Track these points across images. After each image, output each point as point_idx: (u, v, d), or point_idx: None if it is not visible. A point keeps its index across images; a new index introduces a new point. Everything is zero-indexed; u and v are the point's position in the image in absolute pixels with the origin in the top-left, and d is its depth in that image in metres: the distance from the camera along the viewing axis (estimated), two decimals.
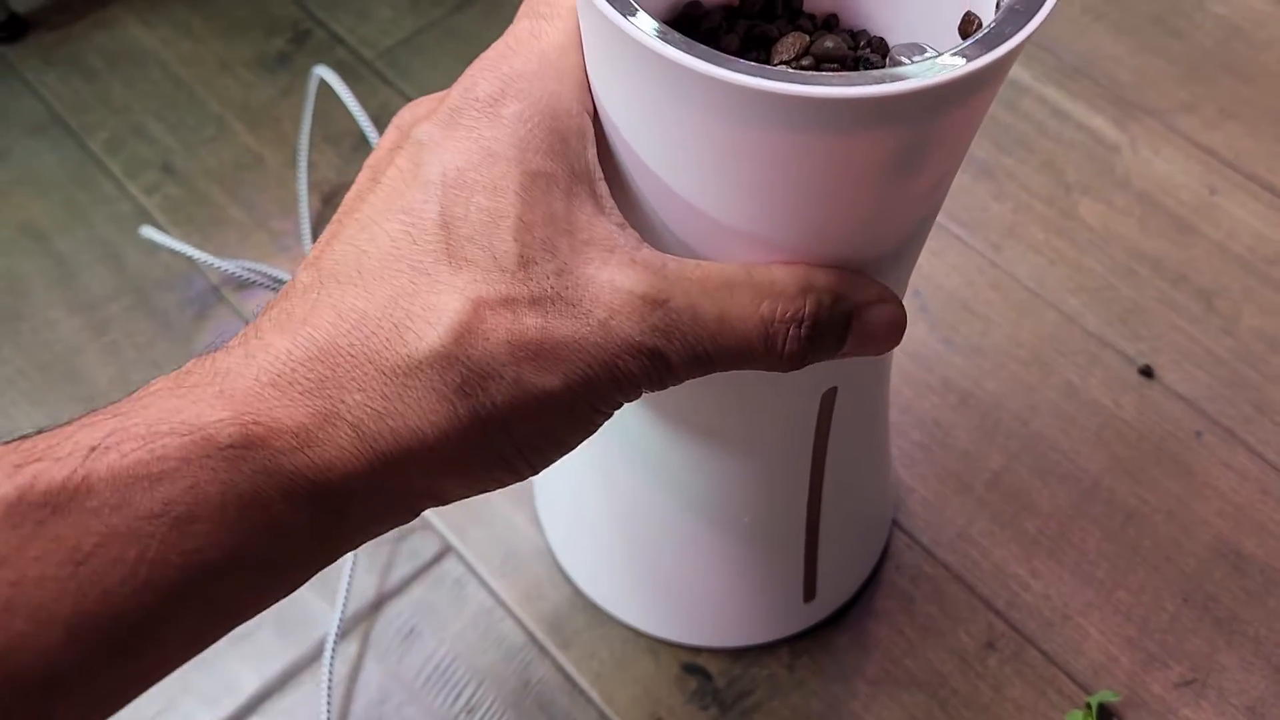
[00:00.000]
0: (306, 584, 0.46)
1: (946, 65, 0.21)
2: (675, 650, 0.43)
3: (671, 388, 0.33)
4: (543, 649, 0.43)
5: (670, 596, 0.41)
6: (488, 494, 0.46)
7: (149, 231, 0.48)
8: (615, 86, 0.24)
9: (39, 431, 0.21)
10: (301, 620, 0.43)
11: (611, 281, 0.23)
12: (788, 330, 0.24)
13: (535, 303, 0.22)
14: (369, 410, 0.22)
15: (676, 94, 0.22)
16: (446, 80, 0.60)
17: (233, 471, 0.20)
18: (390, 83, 0.59)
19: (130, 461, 0.20)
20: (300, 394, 0.21)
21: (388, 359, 0.22)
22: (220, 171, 0.56)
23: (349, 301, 0.22)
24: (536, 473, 0.25)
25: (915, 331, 0.51)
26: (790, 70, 0.21)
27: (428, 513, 0.46)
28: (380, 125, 0.57)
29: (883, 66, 0.30)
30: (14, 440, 0.21)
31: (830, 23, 0.31)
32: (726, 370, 0.25)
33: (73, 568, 0.19)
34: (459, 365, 0.22)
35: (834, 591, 0.43)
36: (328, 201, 0.55)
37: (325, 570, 0.45)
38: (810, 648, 0.43)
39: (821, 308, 0.24)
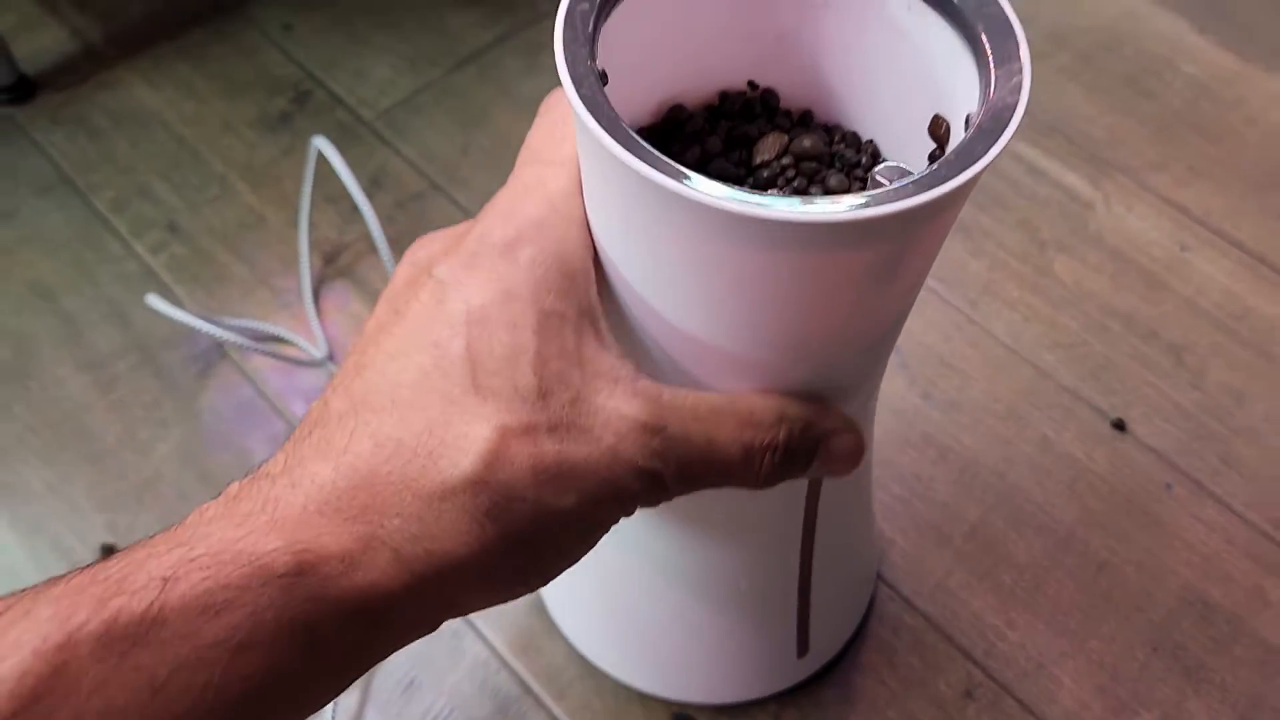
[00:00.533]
0: None
1: (921, 188, 0.23)
2: (665, 700, 0.44)
3: None
4: (538, 700, 0.44)
5: (662, 657, 0.43)
6: None
7: (154, 301, 0.50)
8: (607, 207, 0.26)
9: (97, 561, 0.23)
10: None
11: (617, 410, 0.25)
12: (764, 455, 0.27)
13: (553, 430, 0.25)
14: (407, 534, 0.24)
15: (655, 209, 0.24)
16: (443, 140, 0.62)
17: (285, 597, 0.22)
18: (388, 143, 0.61)
19: (199, 591, 0.22)
20: (345, 520, 0.23)
21: (424, 485, 0.24)
22: (224, 230, 0.58)
23: (386, 430, 0.24)
24: (545, 584, 0.27)
25: (895, 387, 0.53)
26: (769, 195, 0.23)
27: None
28: (380, 184, 0.59)
29: (857, 160, 0.32)
30: (91, 567, 0.22)
31: (806, 118, 0.33)
32: (711, 488, 0.27)
33: (151, 694, 0.21)
34: (488, 489, 0.24)
35: (826, 646, 0.44)
36: (329, 260, 0.57)
37: None
38: (797, 700, 0.44)
39: (793, 436, 0.27)
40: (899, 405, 0.52)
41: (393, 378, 0.25)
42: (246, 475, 0.25)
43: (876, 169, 0.26)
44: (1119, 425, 0.51)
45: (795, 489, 0.35)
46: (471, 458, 0.24)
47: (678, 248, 0.25)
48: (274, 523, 0.23)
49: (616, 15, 0.28)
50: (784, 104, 0.33)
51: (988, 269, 0.57)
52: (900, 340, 0.54)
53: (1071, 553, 0.48)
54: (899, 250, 0.25)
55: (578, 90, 0.25)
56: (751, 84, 0.33)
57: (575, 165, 0.27)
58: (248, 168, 0.60)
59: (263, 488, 0.24)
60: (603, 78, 0.26)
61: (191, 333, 0.54)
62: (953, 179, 0.23)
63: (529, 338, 0.25)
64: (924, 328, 0.55)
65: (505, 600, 0.27)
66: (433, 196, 0.59)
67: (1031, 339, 0.54)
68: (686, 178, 0.23)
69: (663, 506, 0.35)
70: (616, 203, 0.26)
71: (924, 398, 0.52)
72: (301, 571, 0.22)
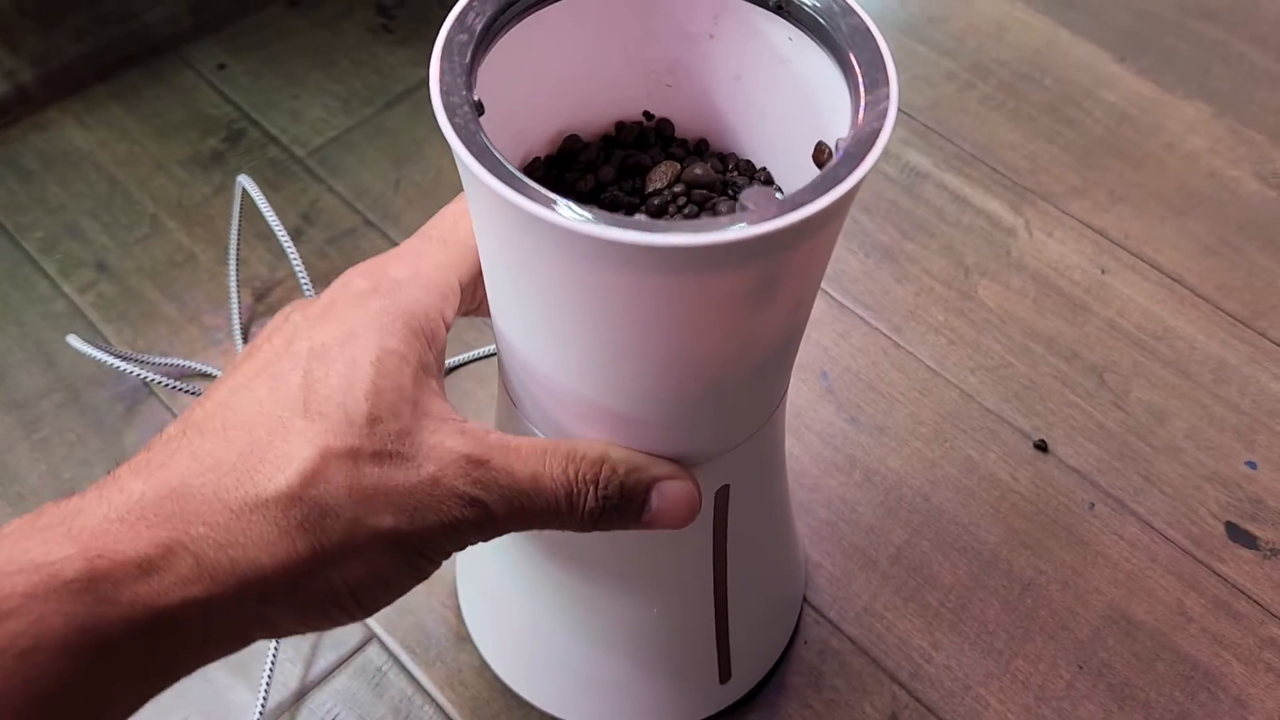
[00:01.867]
0: (232, 675, 0.47)
1: (780, 212, 0.24)
2: None
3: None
4: None
5: (586, 685, 0.43)
6: None
7: (73, 340, 0.49)
8: (490, 245, 0.27)
9: None
10: (224, 713, 0.44)
11: (443, 443, 0.26)
12: (588, 490, 0.28)
13: (376, 456, 0.25)
14: (211, 541, 0.24)
15: (525, 234, 0.25)
16: (375, 177, 0.63)
17: (76, 603, 0.22)
18: (321, 179, 0.61)
19: None
20: (147, 528, 0.24)
21: (236, 497, 0.24)
22: (153, 269, 0.58)
23: (208, 448, 0.25)
24: (368, 614, 0.27)
25: (823, 412, 0.53)
26: (638, 219, 0.24)
27: None
28: (312, 221, 0.60)
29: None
30: None
31: (701, 148, 0.34)
32: (542, 528, 0.28)
33: None
34: (302, 504, 0.24)
35: (749, 671, 0.44)
36: (259, 297, 0.57)
37: (248, 661, 0.46)
38: None
39: (615, 474, 0.29)
40: (826, 430, 0.53)
41: (228, 404, 0.26)
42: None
43: (743, 194, 0.27)
44: (1041, 446, 0.52)
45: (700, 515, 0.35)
46: (288, 474, 0.24)
47: (551, 272, 0.25)
48: (70, 533, 0.23)
49: (504, 48, 0.29)
50: (680, 133, 0.34)
51: (913, 294, 0.57)
52: (827, 365, 0.55)
53: (996, 573, 0.49)
54: (768, 274, 0.25)
55: (450, 119, 0.25)
56: (647, 114, 0.34)
57: (460, 246, 0.30)
58: (179, 206, 0.60)
59: (72, 503, 0.24)
60: (479, 108, 0.26)
61: (119, 371, 0.54)
62: (812, 204, 0.24)
63: (366, 370, 0.26)
64: (851, 353, 0.55)
65: (325, 626, 0.27)
66: (365, 232, 0.59)
67: (956, 362, 0.55)
68: (553, 202, 0.24)
69: (566, 534, 0.36)
70: (495, 234, 0.27)
71: (850, 422, 0.53)
72: (94, 578, 0.23)
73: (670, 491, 0.29)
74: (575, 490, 0.28)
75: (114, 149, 0.63)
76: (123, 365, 0.47)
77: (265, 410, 0.25)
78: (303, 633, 0.27)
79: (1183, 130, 0.65)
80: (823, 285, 0.57)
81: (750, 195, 0.28)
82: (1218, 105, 0.66)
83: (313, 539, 0.24)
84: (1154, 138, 0.65)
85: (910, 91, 0.66)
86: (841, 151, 0.25)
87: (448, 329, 0.29)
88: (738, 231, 0.23)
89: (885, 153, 0.63)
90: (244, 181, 0.53)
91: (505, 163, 0.24)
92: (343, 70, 0.67)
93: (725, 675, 0.43)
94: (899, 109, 0.66)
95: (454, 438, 0.26)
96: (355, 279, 0.29)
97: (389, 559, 0.26)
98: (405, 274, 0.29)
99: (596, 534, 0.36)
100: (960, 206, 0.61)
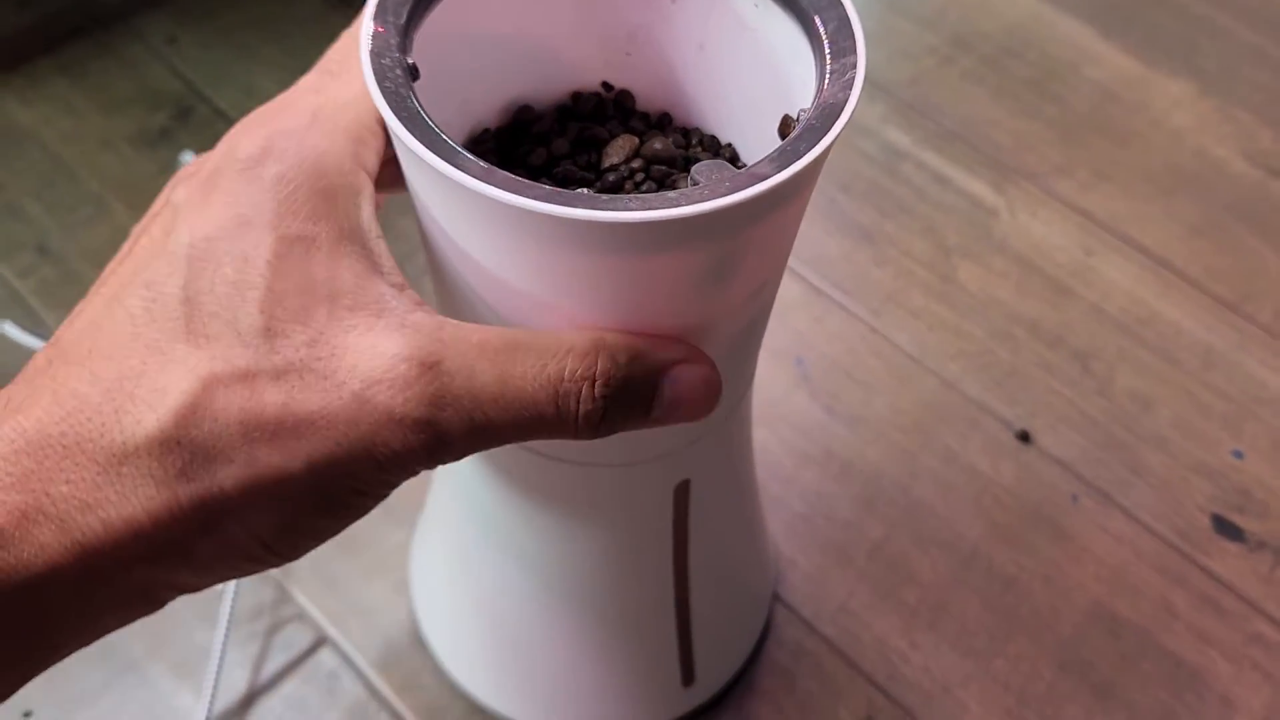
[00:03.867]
0: (176, 679, 0.45)
1: (731, 189, 0.21)
2: None
3: (522, 480, 0.32)
4: None
5: (543, 687, 0.41)
6: (368, 578, 0.45)
7: (10, 329, 0.47)
8: (426, 210, 0.24)
9: None
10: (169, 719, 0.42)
11: (374, 347, 0.21)
12: (580, 390, 0.22)
13: (279, 376, 0.21)
14: (76, 502, 0.20)
15: (455, 203, 0.23)
16: None
17: None
18: None
19: None
20: (0, 491, 0.20)
21: (102, 446, 0.20)
22: (98, 252, 0.55)
23: (70, 385, 0.21)
24: (290, 560, 0.23)
25: (798, 401, 0.51)
26: (581, 193, 0.21)
27: (303, 602, 0.45)
28: None
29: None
30: None
31: (663, 122, 0.31)
32: (518, 441, 0.23)
33: None
34: (181, 448, 0.20)
35: (714, 674, 0.42)
36: None
37: (193, 664, 0.43)
38: None
39: (616, 365, 0.23)
40: (801, 420, 0.50)
41: (99, 324, 0.22)
42: None
43: (695, 167, 0.25)
44: (1023, 436, 0.50)
45: (659, 499, 0.33)
46: (160, 412, 0.20)
47: (485, 247, 0.23)
48: None
49: (448, 8, 0.27)
50: (641, 106, 0.32)
51: (892, 277, 0.55)
52: (802, 351, 0.53)
53: (977, 569, 0.47)
54: (722, 255, 0.23)
55: (379, 84, 0.23)
56: (606, 85, 0.31)
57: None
58: (125, 186, 0.57)
59: None
60: (413, 72, 0.24)
61: None
62: (768, 180, 0.21)
63: (261, 270, 0.21)
64: (827, 339, 0.53)
65: (243, 574, 0.23)
66: None
67: (936, 348, 0.53)
68: (486, 171, 0.21)
69: (523, 506, 0.33)
70: (430, 208, 0.24)
71: (827, 411, 0.51)
72: None
73: (686, 377, 0.23)
74: (564, 391, 0.22)
75: (58, 125, 0.60)
76: None
77: (139, 331, 0.21)
78: (219, 583, 0.22)
79: (1168, 107, 0.63)
80: (797, 267, 0.55)
81: (703, 169, 0.25)
82: (1204, 82, 0.64)
83: (199, 489, 0.20)
84: (1139, 115, 0.63)
85: (889, 67, 0.64)
86: (803, 123, 0.23)
87: (373, 177, 0.24)
88: (685, 207, 0.21)
89: (863, 130, 0.61)
90: (187, 160, 0.50)
91: (437, 129, 0.22)
92: (297, 44, 0.64)
93: (689, 678, 0.41)
94: (877, 85, 0.64)
95: (389, 337, 0.21)
96: (243, 138, 0.23)
97: (304, 504, 0.21)
98: (301, 120, 0.23)
99: (550, 530, 0.34)
100: (941, 186, 0.59)
